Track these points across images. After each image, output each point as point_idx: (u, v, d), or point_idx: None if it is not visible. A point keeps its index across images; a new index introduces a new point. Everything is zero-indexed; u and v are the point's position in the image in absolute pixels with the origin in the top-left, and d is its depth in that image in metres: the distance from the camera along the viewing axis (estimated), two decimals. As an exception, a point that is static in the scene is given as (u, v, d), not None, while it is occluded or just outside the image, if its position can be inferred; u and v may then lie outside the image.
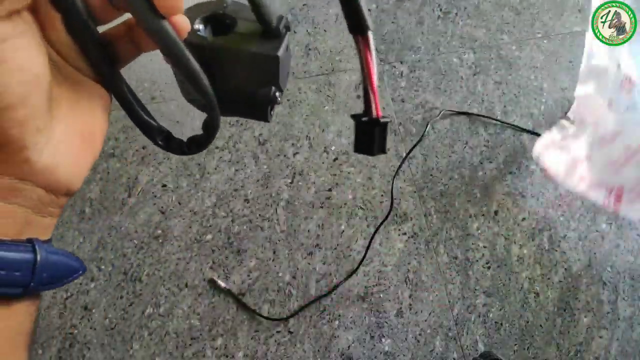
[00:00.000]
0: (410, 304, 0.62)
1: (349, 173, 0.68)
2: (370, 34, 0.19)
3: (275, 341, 0.59)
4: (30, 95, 0.17)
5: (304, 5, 0.81)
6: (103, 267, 0.62)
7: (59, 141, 0.18)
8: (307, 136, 0.71)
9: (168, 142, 0.21)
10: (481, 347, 0.61)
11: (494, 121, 0.73)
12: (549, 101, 0.76)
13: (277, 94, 0.21)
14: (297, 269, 0.63)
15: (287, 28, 0.20)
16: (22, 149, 0.17)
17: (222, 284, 0.61)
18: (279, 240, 0.64)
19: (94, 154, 0.20)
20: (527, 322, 0.62)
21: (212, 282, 0.62)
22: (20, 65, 0.16)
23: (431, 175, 0.69)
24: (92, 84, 0.20)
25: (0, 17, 0.15)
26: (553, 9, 0.84)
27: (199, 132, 0.21)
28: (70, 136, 0.19)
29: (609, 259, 0.66)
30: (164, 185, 0.67)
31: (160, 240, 0.63)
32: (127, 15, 0.18)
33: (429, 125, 0.72)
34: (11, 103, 0.16)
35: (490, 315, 0.62)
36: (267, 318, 0.60)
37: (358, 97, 0.73)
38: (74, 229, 0.63)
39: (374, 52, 0.20)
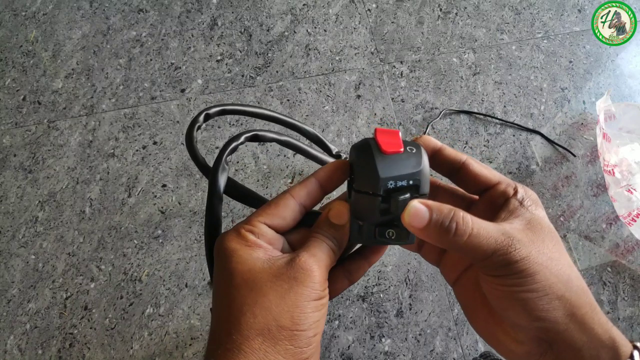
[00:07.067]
0: (410, 304, 0.62)
1: (349, 173, 0.68)
2: None
3: (275, 341, 0.59)
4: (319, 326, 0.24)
5: (304, 5, 0.81)
6: (103, 267, 0.62)
7: None
8: (307, 136, 0.71)
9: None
10: (481, 347, 0.61)
11: (494, 121, 0.73)
12: (549, 101, 0.76)
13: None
14: (297, 269, 0.63)
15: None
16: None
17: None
18: (279, 240, 0.64)
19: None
20: (527, 322, 0.62)
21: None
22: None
23: (431, 175, 0.69)
24: None
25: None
26: (553, 9, 0.84)
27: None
28: None
29: (609, 259, 0.66)
30: (164, 185, 0.67)
31: (160, 240, 0.63)
32: None
33: (429, 126, 0.72)
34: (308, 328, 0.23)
35: (490, 315, 0.62)
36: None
37: (358, 97, 0.73)
38: (74, 229, 0.63)
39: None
